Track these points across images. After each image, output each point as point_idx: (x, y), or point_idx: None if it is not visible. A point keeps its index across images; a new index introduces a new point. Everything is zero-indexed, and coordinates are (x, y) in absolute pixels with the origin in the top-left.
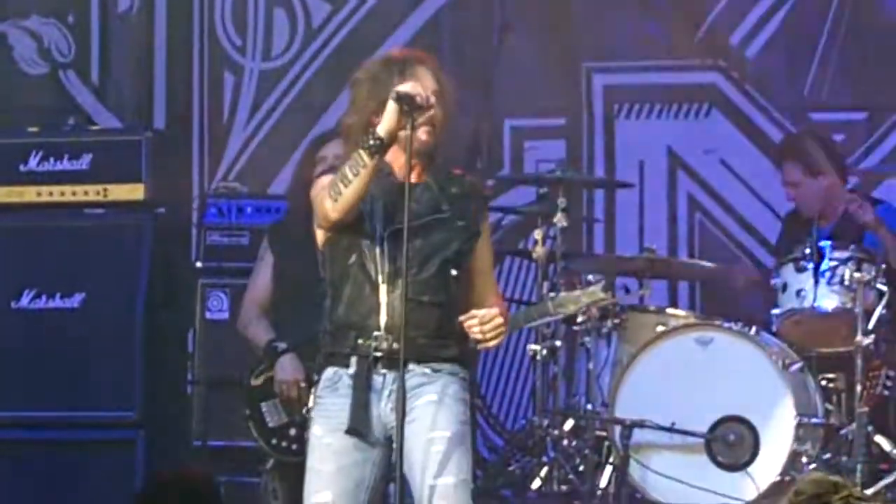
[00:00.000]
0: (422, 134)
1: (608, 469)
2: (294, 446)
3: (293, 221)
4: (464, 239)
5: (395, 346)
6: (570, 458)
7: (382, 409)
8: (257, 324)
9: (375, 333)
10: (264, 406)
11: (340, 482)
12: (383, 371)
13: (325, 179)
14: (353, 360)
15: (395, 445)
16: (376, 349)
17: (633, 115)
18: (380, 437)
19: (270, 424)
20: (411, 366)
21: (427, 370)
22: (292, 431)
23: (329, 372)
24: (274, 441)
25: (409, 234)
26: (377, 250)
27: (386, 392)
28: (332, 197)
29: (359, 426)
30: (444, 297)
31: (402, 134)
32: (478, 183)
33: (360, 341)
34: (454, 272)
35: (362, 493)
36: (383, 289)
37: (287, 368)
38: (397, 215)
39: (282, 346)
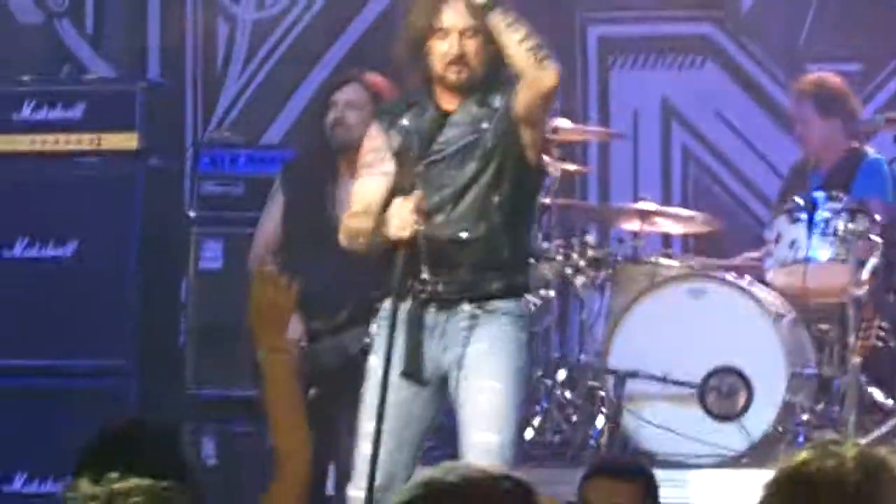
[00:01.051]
0: (450, 74)
1: (601, 419)
2: None
3: (304, 162)
4: (505, 147)
5: (439, 288)
6: (563, 407)
7: (434, 350)
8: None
9: (422, 276)
10: None
11: (391, 415)
12: (434, 311)
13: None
14: (409, 297)
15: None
16: (422, 291)
17: (627, 65)
18: (432, 375)
19: None
20: (462, 306)
21: (478, 311)
22: None
23: (387, 304)
24: None
25: (442, 164)
26: (415, 188)
27: (438, 331)
28: None
29: (411, 369)
30: (485, 230)
31: (437, 67)
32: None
33: (409, 281)
34: (496, 198)
35: (413, 426)
36: (423, 228)
37: None
38: (430, 147)
39: None
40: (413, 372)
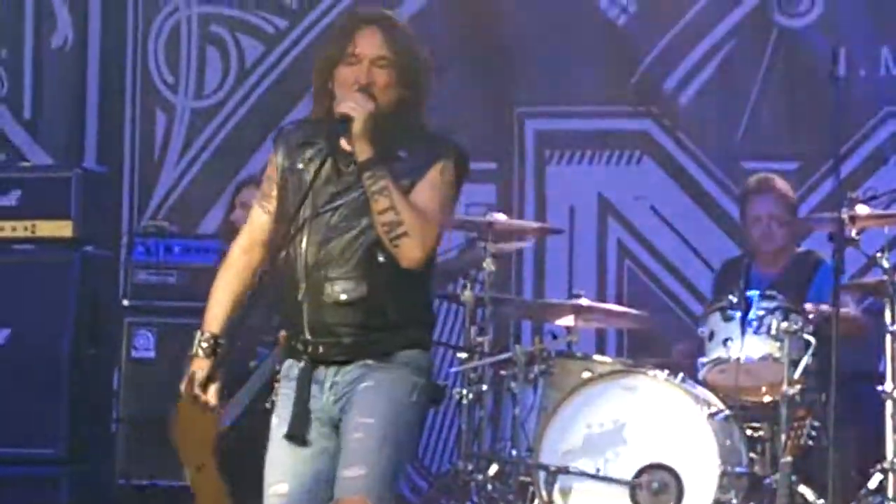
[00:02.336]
0: (345, 108)
1: None
2: None
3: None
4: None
5: (320, 350)
6: (493, 502)
7: (325, 402)
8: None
9: (302, 337)
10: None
11: (298, 473)
12: (324, 367)
13: None
14: (300, 356)
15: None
16: (305, 352)
17: (564, 160)
18: (328, 428)
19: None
20: (349, 366)
21: (369, 362)
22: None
23: (287, 362)
24: None
25: (329, 216)
26: (300, 239)
27: (328, 384)
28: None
29: (297, 431)
30: (366, 291)
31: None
32: (444, 140)
33: (292, 342)
34: (381, 258)
35: (321, 484)
36: (303, 287)
37: None
38: (321, 193)
39: None
40: (297, 435)
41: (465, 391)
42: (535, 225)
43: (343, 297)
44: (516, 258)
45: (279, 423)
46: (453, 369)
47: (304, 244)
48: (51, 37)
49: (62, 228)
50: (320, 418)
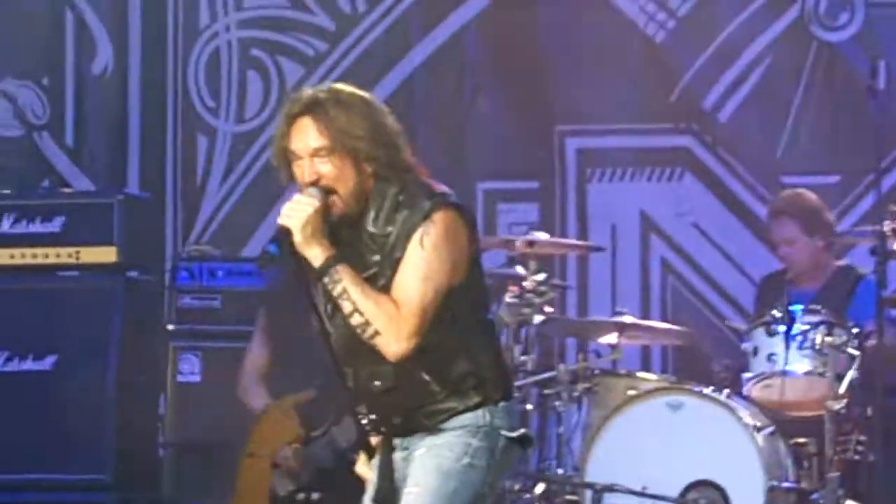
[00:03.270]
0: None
1: None
2: None
3: (279, 283)
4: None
5: (382, 430)
6: None
7: (400, 464)
8: (255, 391)
9: (360, 417)
10: (276, 474)
11: None
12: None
13: None
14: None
15: None
16: (367, 425)
17: (605, 178)
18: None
19: (280, 493)
20: (409, 438)
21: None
22: (300, 496)
23: None
24: None
25: (340, 314)
26: (326, 331)
27: (401, 448)
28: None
29: (380, 497)
30: (394, 378)
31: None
32: (420, 200)
33: (358, 417)
34: None
35: None
36: (348, 372)
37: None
38: (319, 290)
39: None
40: (382, 500)
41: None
42: (578, 243)
43: (378, 388)
44: (559, 276)
45: (371, 482)
46: None
47: (331, 337)
48: (91, 63)
49: (106, 254)
50: (402, 478)
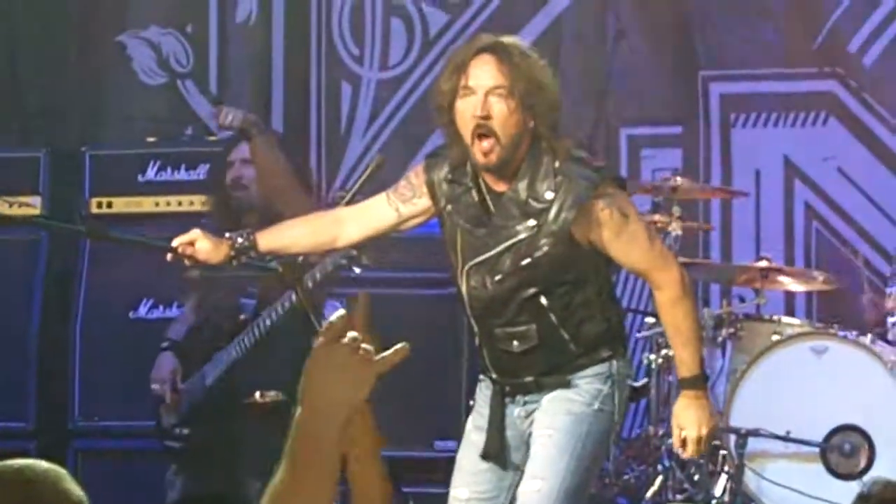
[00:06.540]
0: (477, 153)
1: (723, 478)
2: (179, 443)
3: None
4: (553, 255)
5: (507, 389)
6: (684, 467)
7: (516, 419)
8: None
9: (489, 373)
10: (162, 408)
11: (479, 481)
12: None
13: None
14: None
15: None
16: (494, 382)
17: (749, 123)
18: (520, 443)
19: (164, 425)
20: (534, 394)
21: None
22: (177, 430)
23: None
24: (167, 441)
25: (485, 267)
26: (462, 286)
27: (520, 403)
28: None
29: (491, 451)
30: (537, 339)
31: (465, 137)
32: (579, 176)
33: (483, 370)
34: (544, 301)
35: (503, 494)
36: (478, 331)
37: (161, 366)
38: (466, 250)
39: (163, 343)
40: (491, 455)
41: (653, 356)
42: (722, 188)
43: (518, 348)
44: (703, 221)
45: (472, 430)
46: (640, 334)
47: (465, 293)
48: (235, 11)
49: None
50: (512, 434)
